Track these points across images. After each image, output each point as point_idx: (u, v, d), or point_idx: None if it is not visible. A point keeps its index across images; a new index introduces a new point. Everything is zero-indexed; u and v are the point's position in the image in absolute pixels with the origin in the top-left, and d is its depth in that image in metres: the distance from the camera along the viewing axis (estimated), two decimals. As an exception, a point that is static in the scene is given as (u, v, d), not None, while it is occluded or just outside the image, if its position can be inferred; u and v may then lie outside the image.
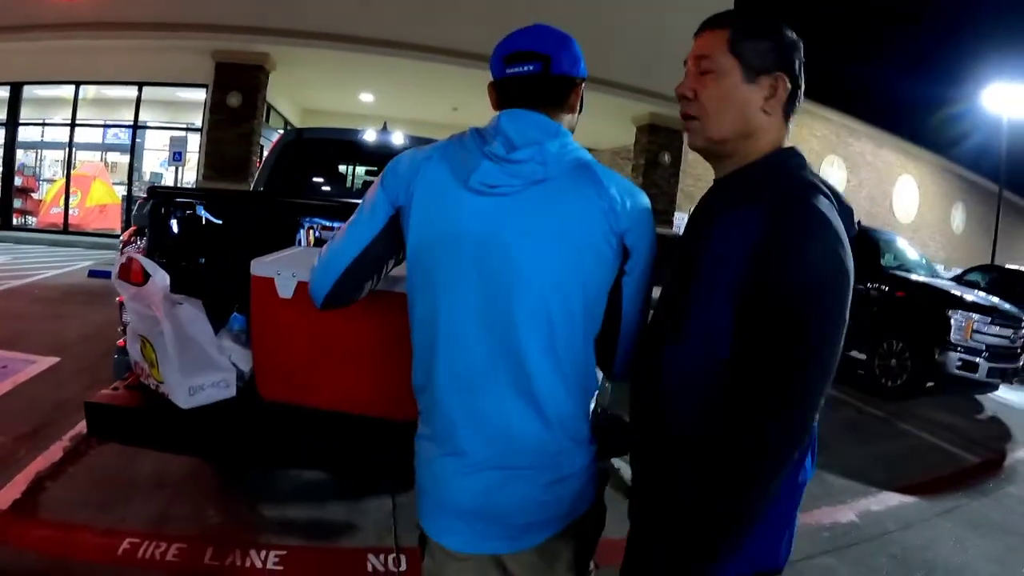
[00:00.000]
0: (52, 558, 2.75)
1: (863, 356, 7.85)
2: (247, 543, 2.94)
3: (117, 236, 13.66)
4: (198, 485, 3.49)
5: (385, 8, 11.51)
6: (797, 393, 1.06)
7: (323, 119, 16.83)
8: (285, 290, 1.97)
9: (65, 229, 14.30)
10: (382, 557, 2.92)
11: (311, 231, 2.79)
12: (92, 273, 9.96)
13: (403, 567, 2.87)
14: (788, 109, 1.27)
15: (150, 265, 2.12)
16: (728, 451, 1.07)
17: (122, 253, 2.66)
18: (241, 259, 2.16)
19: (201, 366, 2.09)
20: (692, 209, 1.40)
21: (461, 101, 15.36)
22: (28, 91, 14.47)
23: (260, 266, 2.03)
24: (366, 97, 15.93)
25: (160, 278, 2.08)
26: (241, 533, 3.03)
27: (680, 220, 15.77)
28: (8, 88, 14.14)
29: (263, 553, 2.87)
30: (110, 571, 2.69)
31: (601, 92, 12.56)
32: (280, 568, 2.79)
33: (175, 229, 2.70)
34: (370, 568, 2.85)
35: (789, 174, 1.21)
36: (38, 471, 3.48)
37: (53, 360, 5.38)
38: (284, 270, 1.99)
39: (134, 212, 2.82)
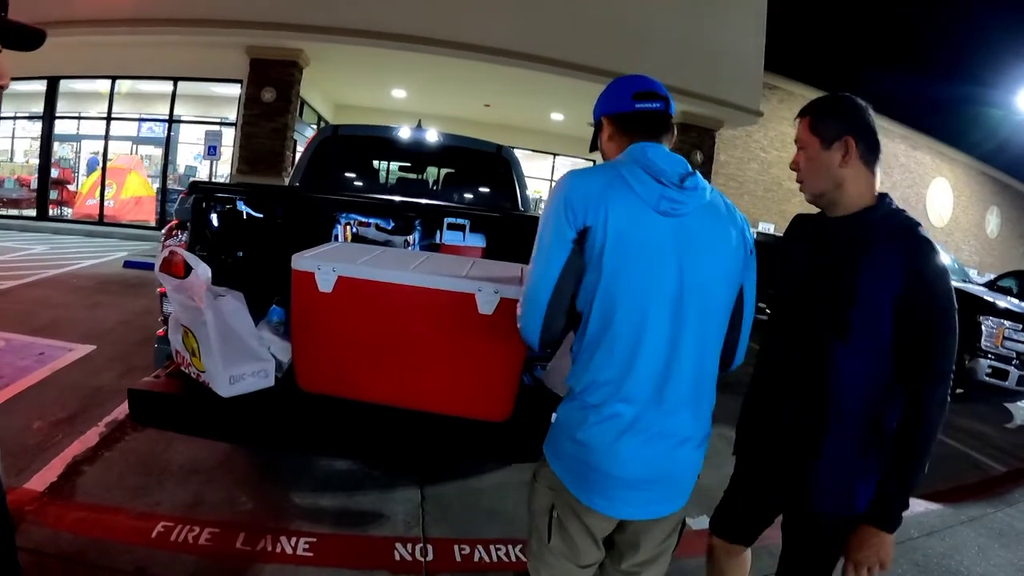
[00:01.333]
0: (87, 539, 2.80)
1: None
2: (278, 529, 2.99)
3: (152, 228, 13.92)
4: (231, 471, 3.54)
5: (418, 4, 11.52)
6: (950, 366, 1.62)
7: (356, 114, 16.89)
8: (325, 284, 2.03)
9: (101, 220, 14.48)
10: (409, 546, 2.96)
11: (348, 227, 2.84)
12: (128, 264, 10.11)
13: (430, 556, 2.91)
14: (868, 159, 1.77)
15: (192, 258, 2.18)
16: (917, 408, 1.63)
17: (164, 246, 2.74)
18: (279, 253, 2.22)
19: (242, 356, 2.15)
20: (791, 228, 2.03)
21: (493, 98, 15.37)
22: (64, 85, 14.68)
23: (301, 261, 2.09)
24: (399, 93, 15.95)
25: (202, 271, 2.14)
26: (272, 519, 3.08)
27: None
28: (45, 82, 14.34)
29: (293, 539, 2.92)
30: (144, 553, 2.74)
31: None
32: (310, 554, 2.84)
33: (215, 223, 2.77)
34: (397, 557, 2.88)
35: (900, 216, 1.74)
36: (75, 455, 3.55)
37: (89, 348, 5.47)
38: (324, 265, 2.04)
39: (176, 206, 2.89)
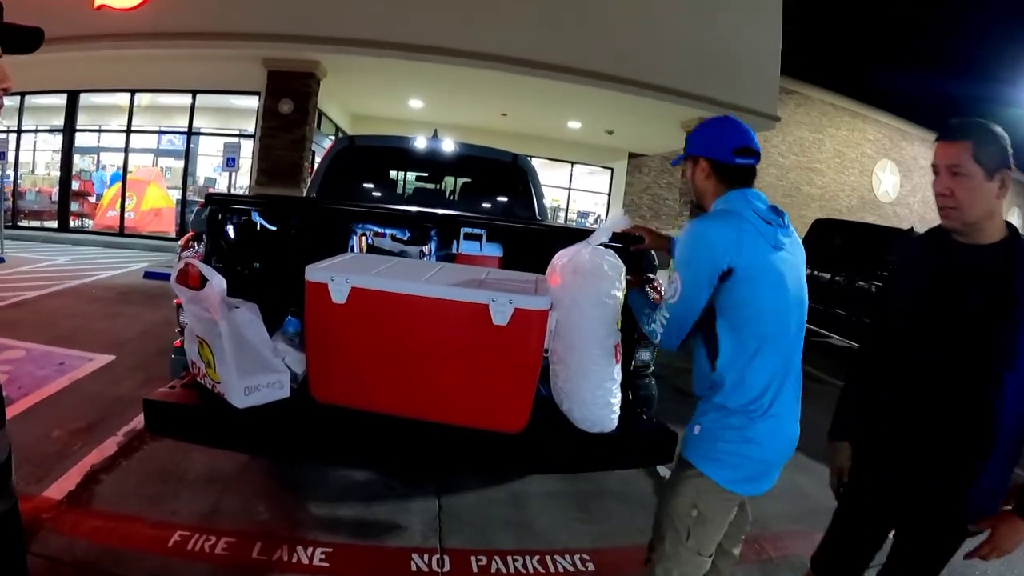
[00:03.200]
0: (103, 547, 2.82)
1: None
2: (295, 539, 3.00)
3: (172, 239, 14.01)
4: (248, 481, 3.56)
5: (433, 15, 11.55)
6: None
7: (373, 125, 16.94)
8: (339, 295, 2.02)
9: (121, 232, 14.67)
10: (426, 557, 2.95)
11: (363, 237, 2.85)
12: (148, 275, 10.20)
13: (447, 567, 2.90)
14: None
15: (207, 270, 2.18)
16: None
17: (180, 258, 2.75)
18: (295, 264, 2.22)
19: (256, 367, 2.15)
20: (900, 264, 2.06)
21: (509, 107, 15.36)
22: (85, 98, 14.90)
23: (315, 272, 2.08)
24: (416, 103, 15.96)
25: (217, 282, 2.14)
26: (289, 530, 3.09)
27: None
28: (65, 96, 14.58)
29: (310, 550, 2.92)
30: (160, 562, 2.76)
31: (649, 96, 12.50)
32: (326, 565, 2.84)
33: (231, 235, 2.78)
34: (414, 568, 2.87)
35: None
36: (92, 464, 3.58)
37: (109, 358, 5.52)
38: (338, 276, 2.04)
39: (192, 218, 2.91)
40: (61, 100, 14.65)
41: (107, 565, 2.71)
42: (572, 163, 19.81)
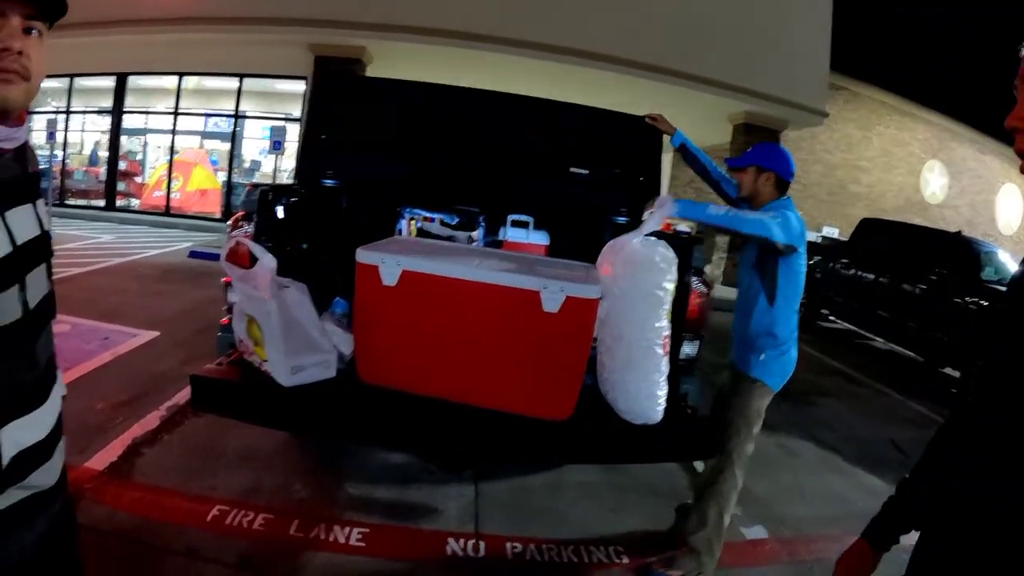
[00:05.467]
0: (143, 519, 2.88)
1: (957, 374, 7.49)
2: (332, 518, 3.02)
3: (217, 219, 14.27)
4: (287, 460, 3.61)
5: (480, 2, 11.53)
6: None
7: None
8: (389, 278, 2.02)
9: (167, 211, 14.93)
10: (462, 542, 2.96)
11: (412, 221, 2.85)
12: (193, 254, 10.38)
13: (482, 552, 2.90)
14: None
15: (257, 249, 2.20)
16: None
17: (230, 236, 2.78)
18: (344, 246, 2.23)
19: (304, 347, 2.17)
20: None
21: (555, 96, 15.20)
22: (132, 81, 15.15)
23: (365, 254, 2.09)
24: None
25: (267, 261, 2.15)
26: (326, 508, 3.12)
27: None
28: (114, 78, 14.86)
29: (347, 529, 2.95)
30: (197, 535, 2.80)
31: (695, 89, 12.26)
32: (362, 544, 2.86)
33: (281, 215, 2.79)
34: (449, 551, 2.88)
35: None
36: (134, 437, 3.65)
37: (153, 334, 5.62)
38: (389, 259, 2.04)
39: (242, 198, 2.93)
40: (110, 82, 14.92)
41: (146, 536, 2.76)
42: None
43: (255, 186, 2.78)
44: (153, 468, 3.37)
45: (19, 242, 1.10)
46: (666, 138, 3.40)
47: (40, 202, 1.19)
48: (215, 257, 9.79)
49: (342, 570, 2.70)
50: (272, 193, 2.72)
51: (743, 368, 2.82)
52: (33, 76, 1.08)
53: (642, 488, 3.68)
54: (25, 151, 1.16)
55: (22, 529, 1.15)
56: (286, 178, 13.36)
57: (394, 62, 13.03)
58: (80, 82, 15.38)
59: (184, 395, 4.30)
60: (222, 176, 15.23)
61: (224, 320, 3.04)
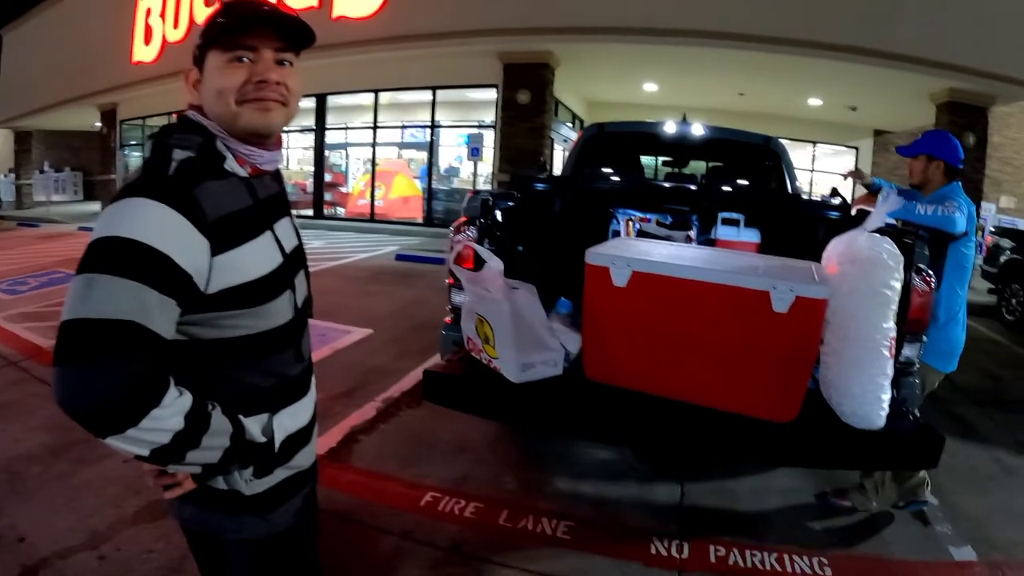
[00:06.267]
0: (359, 500, 3.14)
1: None
2: (539, 510, 3.14)
3: (419, 224, 15.24)
4: (497, 452, 3.77)
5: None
6: None
7: (609, 110, 16.85)
8: (620, 279, 2.11)
9: (371, 218, 16.15)
10: (666, 542, 2.96)
11: (630, 223, 2.92)
12: (400, 257, 11.10)
13: (685, 554, 2.89)
14: None
15: (484, 252, 2.35)
16: None
17: (454, 241, 2.99)
18: (562, 248, 2.33)
19: (534, 346, 2.29)
20: None
21: (747, 86, 14.67)
22: (332, 100, 16.48)
23: (596, 256, 2.18)
24: (650, 87, 15.72)
25: (495, 264, 2.30)
26: (534, 500, 3.24)
27: (988, 211, 13.82)
28: (315, 99, 16.23)
29: (553, 522, 3.05)
30: (410, 519, 3.01)
31: (895, 68, 11.35)
32: (568, 538, 2.95)
33: (502, 219, 2.96)
34: (653, 551, 2.90)
35: None
36: (352, 426, 3.98)
37: (366, 332, 6.10)
38: (619, 260, 2.12)
39: (464, 204, 3.14)
40: (311, 103, 16.27)
41: (363, 516, 3.01)
42: (813, 142, 18.39)
43: (476, 192, 2.97)
44: (369, 455, 3.65)
45: (287, 251, 1.25)
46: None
47: (292, 214, 1.35)
48: (421, 260, 10.44)
49: (548, 561, 2.78)
50: (493, 199, 2.90)
51: None
52: (290, 102, 1.22)
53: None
54: (278, 170, 1.33)
55: (285, 503, 1.31)
56: (483, 183, 13.91)
57: (581, 63, 13.23)
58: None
59: (399, 387, 4.64)
60: (421, 183, 16.08)
61: (447, 319, 3.26)
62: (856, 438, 2.15)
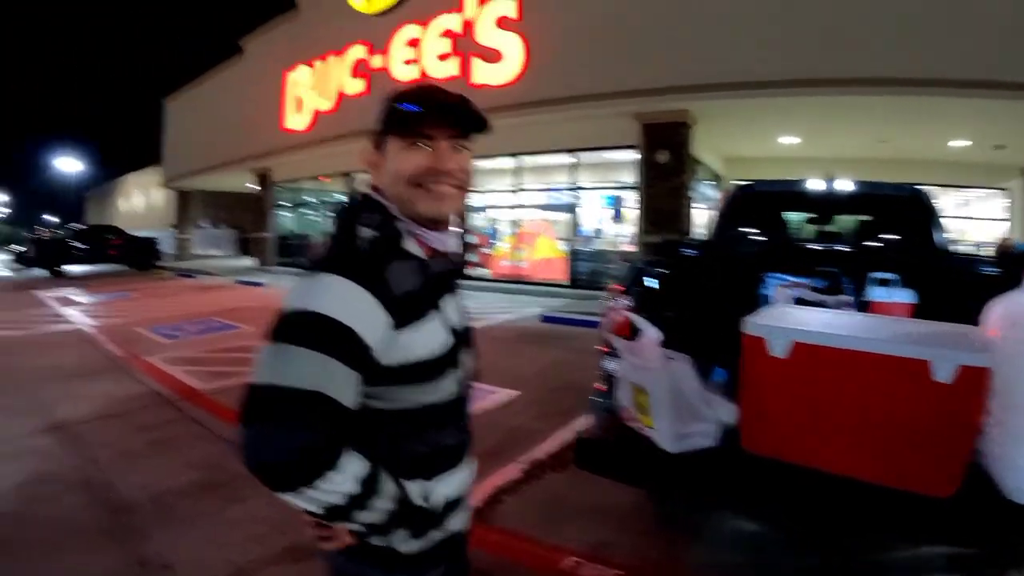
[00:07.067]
0: (500, 559, 3.18)
1: None
2: (684, 580, 3.04)
3: (563, 285, 15.41)
4: (638, 521, 3.71)
5: (795, 47, 11.12)
6: None
7: (746, 166, 16.77)
8: (778, 349, 2.12)
9: (515, 279, 16.53)
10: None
11: (784, 289, 2.90)
12: (545, 318, 11.24)
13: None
14: None
15: (640, 321, 2.43)
16: None
17: (610, 309, 3.07)
18: (714, 314, 2.35)
19: (690, 416, 2.33)
20: None
21: (887, 132, 13.95)
22: (474, 164, 17.17)
23: (753, 326, 2.21)
24: (787, 139, 15.39)
25: (652, 334, 2.37)
26: (677, 571, 3.17)
27: None
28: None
29: (697, 591, 2.95)
30: (550, 582, 2.98)
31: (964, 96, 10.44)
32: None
33: (657, 288, 3.02)
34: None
35: None
36: (496, 485, 4.05)
37: (513, 392, 6.22)
38: (778, 331, 2.14)
39: (618, 270, 3.23)
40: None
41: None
42: (957, 187, 17.20)
43: (625, 258, 3.05)
44: (511, 515, 3.69)
45: (457, 330, 1.30)
46: None
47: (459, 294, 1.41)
48: (565, 321, 10.56)
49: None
50: (647, 267, 2.96)
51: None
52: (465, 185, 1.27)
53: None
54: (455, 250, 1.37)
55: (440, 564, 1.36)
56: (625, 244, 13.95)
57: (717, 120, 13.12)
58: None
59: (543, 449, 4.70)
60: (565, 245, 16.29)
61: (598, 386, 3.30)
62: (1022, 514, 2.03)
